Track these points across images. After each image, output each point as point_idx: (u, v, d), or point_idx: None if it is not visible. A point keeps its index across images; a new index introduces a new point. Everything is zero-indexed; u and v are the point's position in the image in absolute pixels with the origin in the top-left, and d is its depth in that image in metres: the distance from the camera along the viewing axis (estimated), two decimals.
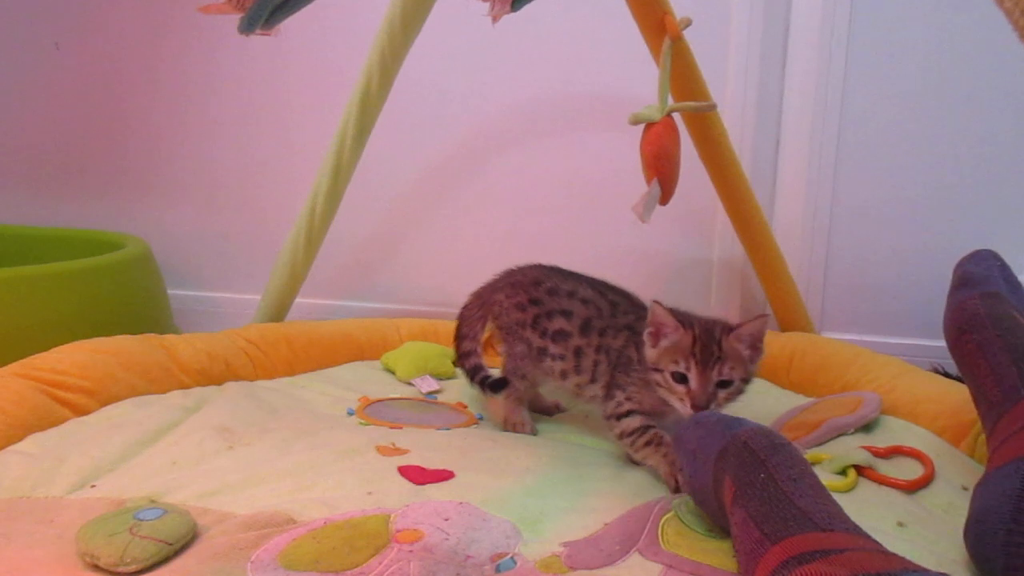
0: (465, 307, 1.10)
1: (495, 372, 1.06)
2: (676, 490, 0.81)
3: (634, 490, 0.82)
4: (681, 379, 0.83)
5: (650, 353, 0.87)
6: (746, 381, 0.85)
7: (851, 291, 1.43)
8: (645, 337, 0.88)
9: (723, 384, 0.83)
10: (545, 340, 1.00)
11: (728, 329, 0.85)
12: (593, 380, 0.97)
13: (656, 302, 0.85)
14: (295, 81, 1.58)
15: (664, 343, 0.85)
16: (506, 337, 1.04)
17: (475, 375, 1.04)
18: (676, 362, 0.83)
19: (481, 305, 1.08)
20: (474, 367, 1.05)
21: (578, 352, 0.97)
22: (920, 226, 1.38)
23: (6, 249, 1.60)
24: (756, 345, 0.86)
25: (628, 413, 0.90)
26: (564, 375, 0.99)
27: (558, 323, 0.99)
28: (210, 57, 1.62)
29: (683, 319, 0.86)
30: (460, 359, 1.08)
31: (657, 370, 0.86)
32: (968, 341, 0.81)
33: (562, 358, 0.98)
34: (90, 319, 1.24)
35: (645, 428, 0.88)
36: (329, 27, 1.51)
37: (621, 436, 0.90)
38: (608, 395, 0.94)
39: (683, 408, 0.83)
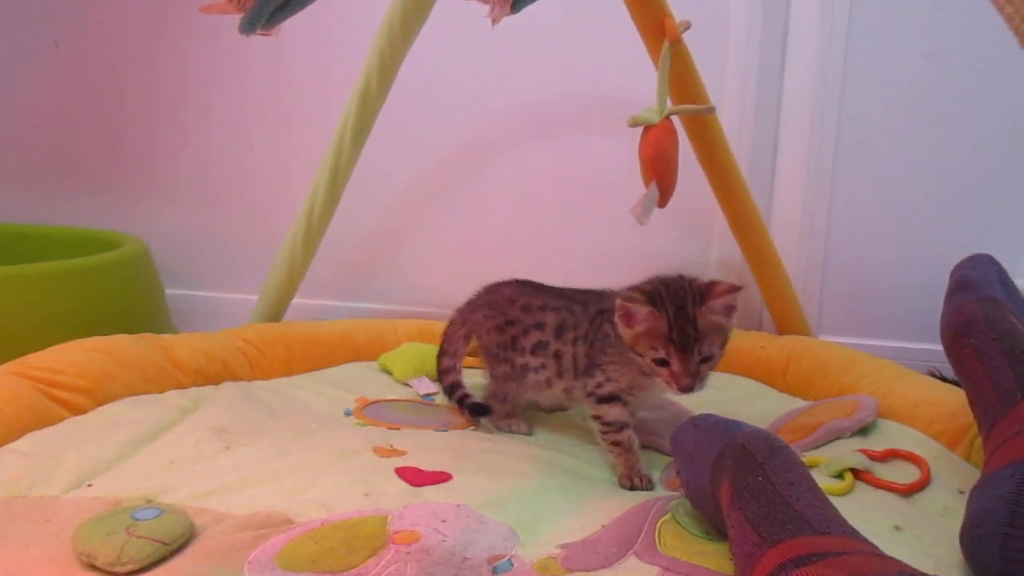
0: (449, 323, 1.10)
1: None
2: (631, 488, 0.84)
3: (631, 492, 0.82)
4: (662, 363, 0.81)
5: (626, 334, 0.84)
6: (724, 344, 0.83)
7: (848, 294, 1.43)
8: (617, 319, 0.84)
9: (705, 360, 0.81)
10: (525, 357, 0.99)
11: (700, 298, 0.81)
12: (576, 376, 0.95)
13: (623, 298, 0.82)
14: (294, 81, 1.58)
15: (639, 328, 0.82)
16: (489, 360, 1.04)
17: (453, 393, 1.06)
18: (655, 348, 0.81)
19: (463, 323, 1.08)
20: (452, 384, 1.06)
21: (558, 356, 0.96)
22: (918, 230, 1.39)
23: (3, 247, 1.60)
24: (730, 312, 0.82)
25: (610, 397, 0.90)
26: (549, 383, 0.99)
27: (534, 337, 0.98)
28: (209, 57, 1.62)
29: (653, 295, 0.82)
30: (440, 375, 1.09)
31: (637, 353, 0.84)
32: (965, 345, 0.82)
33: (544, 368, 0.98)
34: (87, 318, 1.24)
35: (620, 427, 0.89)
36: (329, 28, 1.51)
37: (596, 419, 0.90)
38: (587, 372, 0.92)
39: (671, 389, 0.82)
